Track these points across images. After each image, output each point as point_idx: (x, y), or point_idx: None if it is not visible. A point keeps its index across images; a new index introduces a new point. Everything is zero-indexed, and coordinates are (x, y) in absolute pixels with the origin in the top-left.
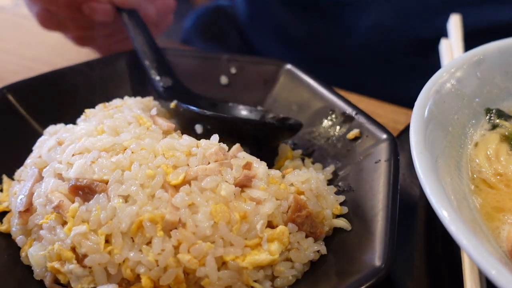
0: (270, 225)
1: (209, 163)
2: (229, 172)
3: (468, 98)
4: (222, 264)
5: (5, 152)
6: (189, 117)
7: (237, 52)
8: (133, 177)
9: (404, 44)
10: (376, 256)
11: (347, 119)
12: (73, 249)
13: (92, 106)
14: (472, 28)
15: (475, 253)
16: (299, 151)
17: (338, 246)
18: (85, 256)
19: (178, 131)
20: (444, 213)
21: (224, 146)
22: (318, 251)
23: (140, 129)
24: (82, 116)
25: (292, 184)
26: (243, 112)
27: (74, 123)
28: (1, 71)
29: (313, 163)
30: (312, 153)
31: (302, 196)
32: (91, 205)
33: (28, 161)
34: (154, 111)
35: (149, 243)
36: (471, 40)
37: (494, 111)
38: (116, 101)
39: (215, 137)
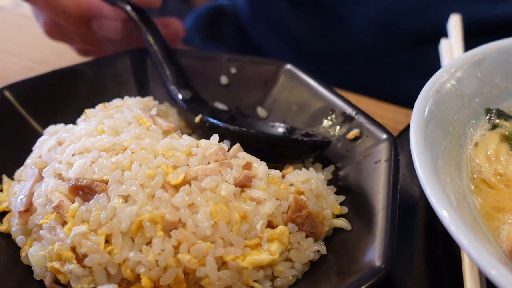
0: (270, 225)
1: (209, 163)
2: (229, 172)
3: (468, 98)
4: (222, 264)
5: (5, 152)
6: (214, 131)
7: (237, 51)
8: (133, 177)
9: (403, 39)
10: (376, 256)
11: (347, 119)
12: (73, 249)
13: (92, 106)
14: (470, 23)
15: (475, 253)
16: None
17: (338, 246)
18: (85, 256)
19: (178, 131)
20: (444, 213)
21: (224, 146)
22: (318, 251)
23: (140, 129)
24: (82, 116)
25: (292, 184)
26: (266, 126)
27: (74, 123)
28: (1, 71)
29: (313, 163)
30: None
31: (302, 196)
32: (91, 205)
33: (28, 161)
34: (154, 111)
35: (149, 243)
36: (469, 36)
37: (494, 111)
38: (116, 101)
39: (215, 137)
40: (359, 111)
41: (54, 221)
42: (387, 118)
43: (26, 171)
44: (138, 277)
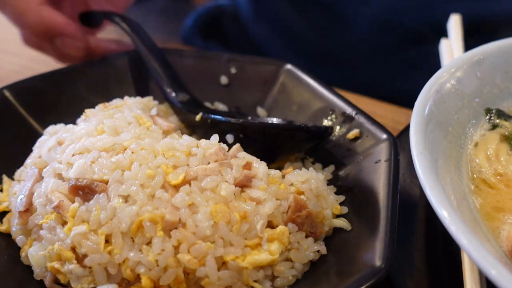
0: (270, 225)
1: (209, 163)
2: (229, 172)
3: (468, 98)
4: (222, 264)
5: (5, 152)
6: (216, 128)
7: (238, 50)
8: (133, 177)
9: (404, 38)
10: (376, 256)
11: (347, 119)
12: (73, 249)
13: (92, 106)
14: (470, 21)
15: (475, 253)
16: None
17: (338, 246)
18: (85, 256)
19: (178, 131)
20: (444, 213)
21: (224, 146)
22: (318, 251)
23: (140, 129)
24: (82, 116)
25: (292, 184)
26: (266, 121)
27: (74, 123)
28: (1, 71)
29: (313, 163)
30: (312, 153)
31: (302, 196)
32: (91, 205)
33: (28, 161)
34: (154, 111)
35: (149, 243)
36: (470, 34)
37: (494, 111)
38: (116, 101)
39: (215, 137)
40: (359, 111)
41: (54, 221)
42: (387, 118)
43: (26, 171)
44: (138, 277)
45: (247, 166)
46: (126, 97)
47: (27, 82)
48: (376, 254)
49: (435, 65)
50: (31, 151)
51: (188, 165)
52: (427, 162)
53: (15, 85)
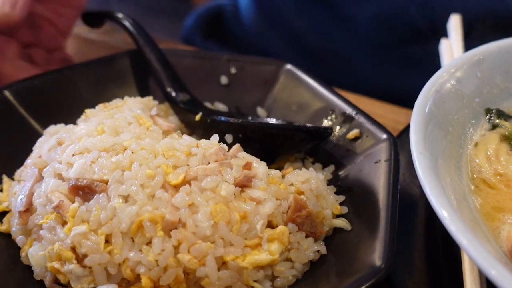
0: (270, 225)
1: (209, 163)
2: (229, 172)
3: (468, 98)
4: (222, 264)
5: (5, 152)
6: (216, 128)
7: (238, 50)
8: (133, 177)
9: (405, 35)
10: (376, 256)
11: (347, 119)
12: (73, 249)
13: (92, 106)
14: (471, 19)
15: (475, 253)
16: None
17: (338, 246)
18: (85, 256)
19: (178, 131)
20: (444, 213)
21: (224, 146)
22: (318, 251)
23: (140, 129)
24: (82, 116)
25: (292, 184)
26: (266, 121)
27: (74, 123)
28: None
29: (313, 163)
30: (312, 153)
31: (302, 196)
32: (91, 205)
33: (28, 161)
34: (154, 111)
35: (149, 243)
36: (471, 32)
37: (494, 111)
38: (116, 101)
39: (215, 137)
40: (359, 111)
41: (54, 221)
42: (387, 118)
43: (26, 171)
44: (138, 277)
45: (247, 166)
46: (126, 97)
47: (27, 82)
48: (376, 254)
49: (436, 65)
50: (31, 151)
51: (188, 165)
52: (427, 162)
53: (15, 85)
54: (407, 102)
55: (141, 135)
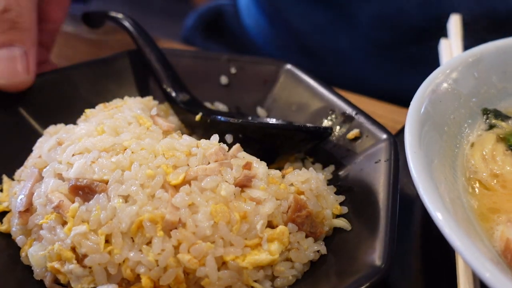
0: (270, 225)
1: (209, 163)
2: (229, 172)
3: (465, 98)
4: (222, 264)
5: (5, 152)
6: (216, 128)
7: (238, 50)
8: (133, 177)
9: (406, 34)
10: (376, 256)
11: (347, 119)
12: (73, 249)
13: (92, 106)
14: (472, 18)
15: (468, 254)
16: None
17: (338, 246)
18: (85, 256)
19: (178, 131)
20: (438, 214)
21: (224, 146)
22: (318, 251)
23: (140, 129)
24: (82, 116)
25: (292, 184)
26: (266, 121)
27: (74, 123)
28: None
29: (313, 163)
30: (312, 153)
31: (302, 196)
32: (91, 205)
33: (28, 161)
34: (154, 111)
35: (149, 243)
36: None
37: (491, 111)
38: (116, 101)
39: (215, 137)
40: (359, 111)
41: (54, 221)
42: (387, 118)
43: (26, 171)
44: (138, 277)
45: (247, 166)
46: (126, 97)
47: None
48: (376, 254)
49: (436, 65)
50: (31, 151)
51: (188, 165)
52: (422, 162)
53: None
54: (407, 102)
55: (141, 135)
